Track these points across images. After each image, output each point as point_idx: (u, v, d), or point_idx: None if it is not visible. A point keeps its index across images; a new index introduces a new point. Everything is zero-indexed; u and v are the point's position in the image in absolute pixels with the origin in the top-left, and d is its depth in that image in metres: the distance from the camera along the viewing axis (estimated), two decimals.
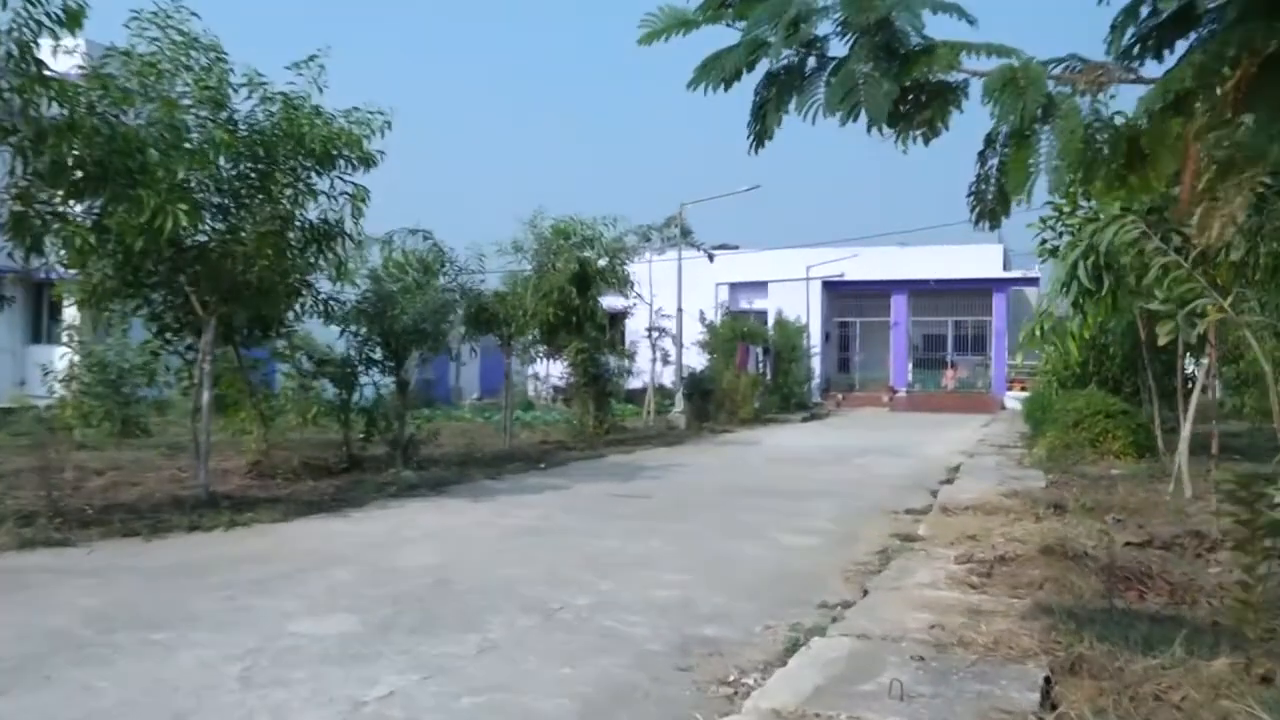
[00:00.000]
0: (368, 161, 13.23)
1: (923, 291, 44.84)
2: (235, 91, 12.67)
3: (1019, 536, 10.53)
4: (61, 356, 23.77)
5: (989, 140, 4.31)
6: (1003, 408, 40.22)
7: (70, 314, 23.01)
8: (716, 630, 7.22)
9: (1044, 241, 19.07)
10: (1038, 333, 23.62)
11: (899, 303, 45.17)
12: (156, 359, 17.59)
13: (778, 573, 9.30)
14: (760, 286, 45.19)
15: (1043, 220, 18.81)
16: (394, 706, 5.49)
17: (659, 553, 10.12)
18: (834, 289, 45.92)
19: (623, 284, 22.82)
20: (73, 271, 14.53)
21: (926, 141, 4.47)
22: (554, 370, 36.95)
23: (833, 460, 20.16)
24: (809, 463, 19.73)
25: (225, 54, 12.51)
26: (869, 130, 4.21)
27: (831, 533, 11.52)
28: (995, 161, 4.33)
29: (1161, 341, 8.89)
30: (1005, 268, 44.61)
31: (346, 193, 13.35)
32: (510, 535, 11.00)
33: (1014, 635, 6.54)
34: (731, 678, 6.13)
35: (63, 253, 12.10)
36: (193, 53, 12.38)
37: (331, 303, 15.57)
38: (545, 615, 7.56)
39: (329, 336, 17.46)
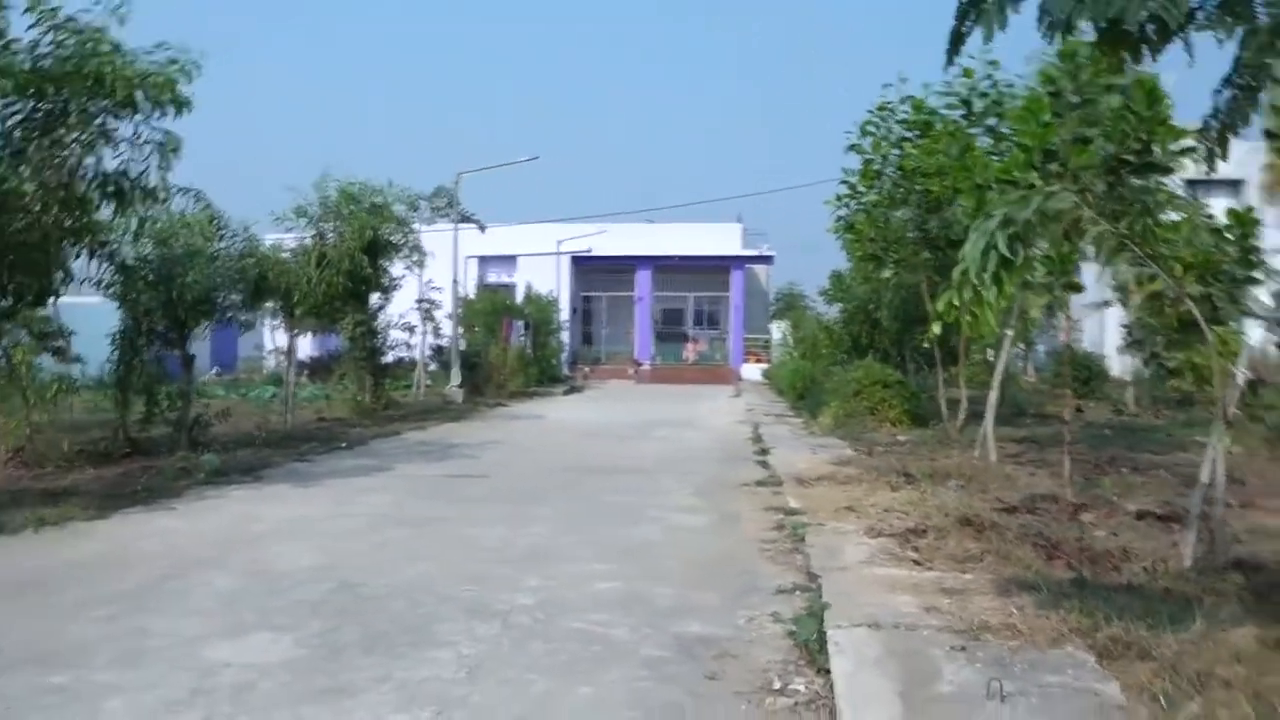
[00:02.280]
0: (180, 106, 11.29)
1: (666, 267, 45.09)
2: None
3: (896, 506, 10.29)
4: None
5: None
6: (740, 379, 41.06)
7: None
8: (701, 627, 6.39)
9: (840, 219, 19.31)
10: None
11: (643, 278, 45.26)
12: None
13: (697, 558, 8.53)
14: (509, 260, 44.08)
15: (838, 198, 19.04)
16: None
17: (556, 542, 9.11)
18: (582, 264, 45.42)
19: (416, 253, 21.27)
20: None
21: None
22: (302, 345, 34.65)
23: (633, 435, 19.56)
24: (612, 437, 19.05)
25: None
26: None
27: (708, 510, 10.87)
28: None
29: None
30: (743, 247, 45.61)
31: (154, 141, 11.36)
32: (377, 527, 9.65)
33: (1024, 615, 6.10)
34: (776, 685, 5.33)
35: None
36: None
37: (128, 267, 13.38)
38: (501, 621, 6.47)
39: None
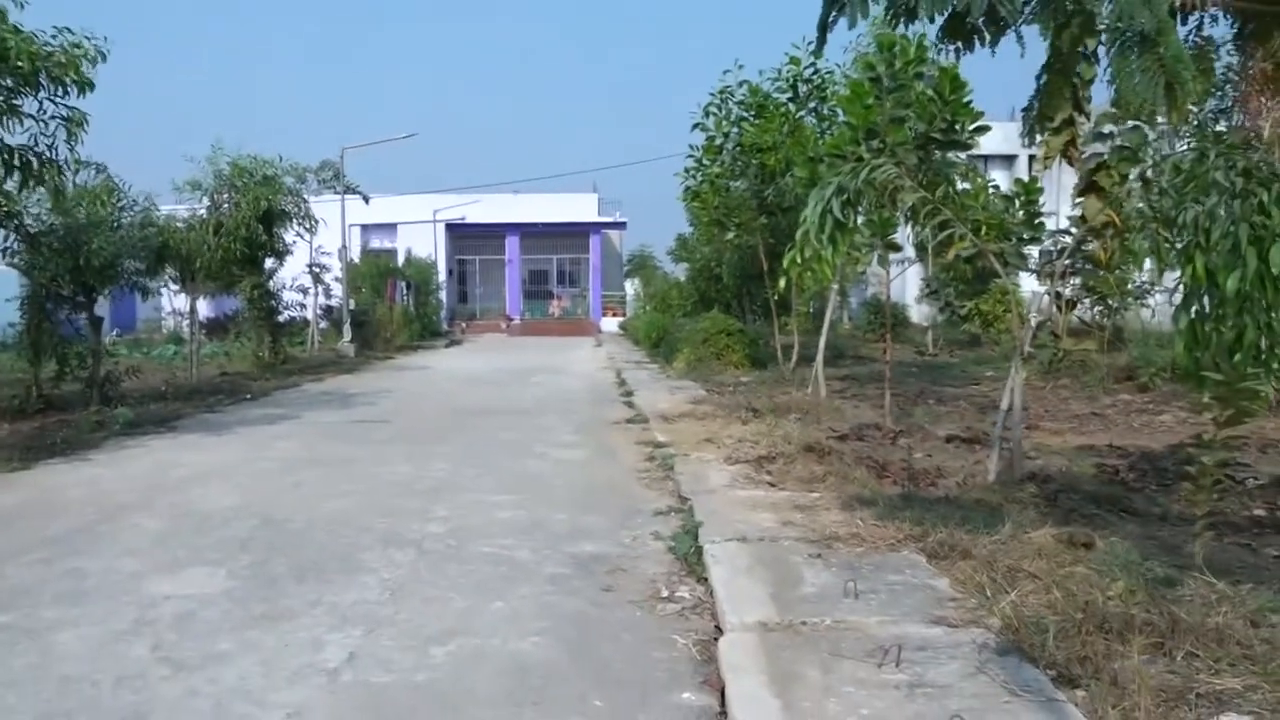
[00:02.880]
0: (83, 86, 10.53)
1: (531, 233, 44.65)
2: None
3: (748, 437, 10.50)
4: None
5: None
6: (600, 331, 41.10)
7: None
8: (594, 547, 6.42)
9: (687, 188, 19.44)
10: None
11: (512, 243, 44.69)
12: None
13: (583, 486, 8.54)
14: (390, 228, 42.93)
15: (685, 170, 19.15)
16: (371, 669, 4.26)
17: (458, 476, 8.98)
18: (456, 230, 44.55)
19: (308, 221, 20.43)
20: None
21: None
22: (199, 307, 33.08)
23: (512, 381, 19.38)
24: (493, 384, 18.83)
25: None
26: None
27: (587, 445, 10.88)
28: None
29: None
30: (600, 214, 45.51)
31: (60, 117, 10.56)
32: (291, 469, 9.33)
33: (866, 526, 6.32)
34: (664, 594, 5.41)
35: None
36: None
37: (34, 235, 12.45)
38: (416, 548, 6.37)
39: None
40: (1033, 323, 8.72)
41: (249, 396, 15.83)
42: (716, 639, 4.61)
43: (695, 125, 17.88)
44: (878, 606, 4.80)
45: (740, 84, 17.38)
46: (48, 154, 10.70)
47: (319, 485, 8.52)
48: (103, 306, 16.27)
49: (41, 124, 10.55)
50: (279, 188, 20.23)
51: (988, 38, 3.81)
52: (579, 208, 44.82)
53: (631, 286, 43.96)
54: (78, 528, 6.91)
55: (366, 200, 26.85)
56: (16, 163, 10.63)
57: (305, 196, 22.03)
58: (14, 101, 10.26)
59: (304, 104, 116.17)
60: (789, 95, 17.02)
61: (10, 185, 11.03)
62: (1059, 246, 8.71)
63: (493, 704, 3.92)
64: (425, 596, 5.32)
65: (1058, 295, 12.21)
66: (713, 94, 17.65)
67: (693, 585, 5.54)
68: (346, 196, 27.00)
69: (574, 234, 45.06)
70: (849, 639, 4.30)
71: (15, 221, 12.40)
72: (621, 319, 41.66)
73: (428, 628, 4.81)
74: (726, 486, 7.93)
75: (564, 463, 9.76)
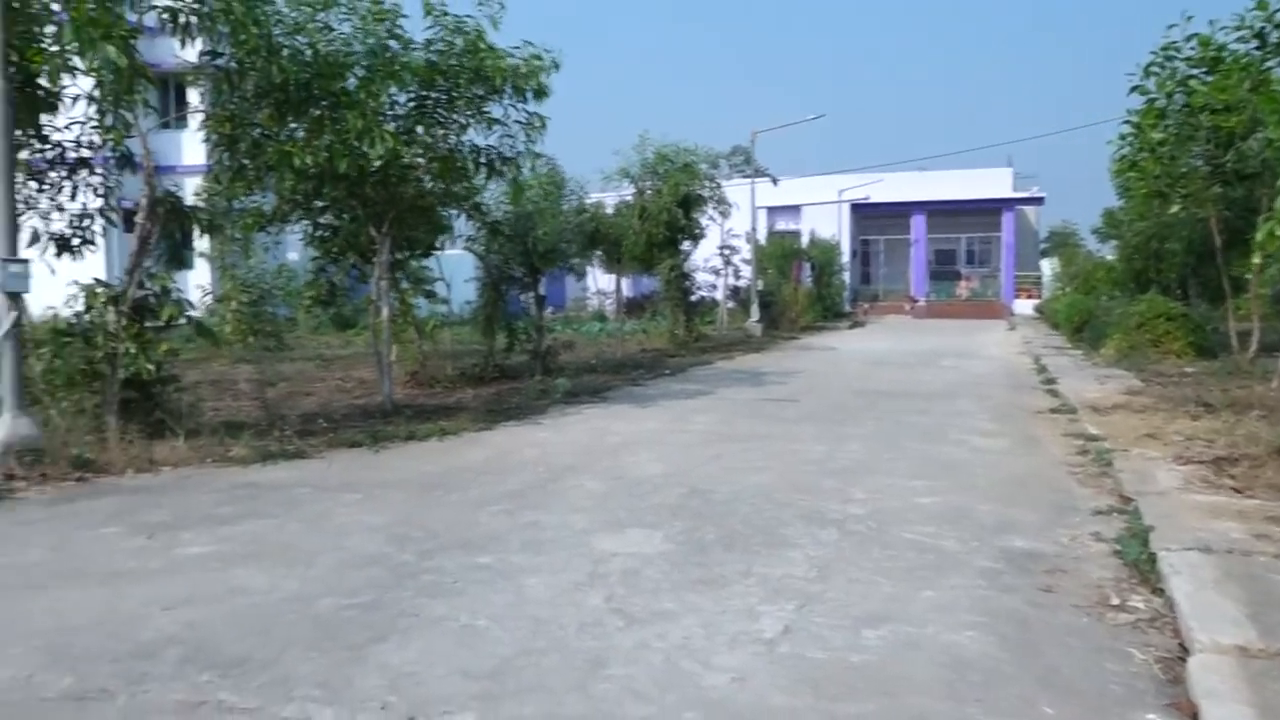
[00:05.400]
0: (541, 94, 11.70)
1: (939, 211, 43.18)
2: (404, 20, 11.11)
3: (1200, 434, 9.34)
4: (197, 285, 22.48)
5: None
6: (1012, 314, 38.78)
7: (204, 241, 21.55)
8: (1025, 543, 6.02)
9: (1123, 157, 17.67)
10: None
11: (918, 222, 43.52)
12: (316, 280, 16.12)
13: (1007, 477, 8.08)
14: (794, 210, 43.54)
15: (1121, 137, 17.40)
16: (806, 645, 4.31)
17: (872, 458, 8.89)
18: (861, 210, 44.18)
19: (722, 205, 21.33)
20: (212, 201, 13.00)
21: None
22: (610, 286, 35.71)
23: (919, 363, 18.87)
24: (899, 366, 18.46)
25: None
26: None
27: (1008, 433, 10.30)
28: None
29: None
30: (1014, 189, 42.91)
31: (521, 121, 11.84)
32: (711, 442, 9.77)
33: None
34: (1114, 601, 4.94)
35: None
36: None
37: (493, 224, 14.13)
38: (838, 528, 6.36)
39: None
40: None
41: (667, 372, 16.82)
42: (1181, 658, 4.13)
43: (1133, 89, 16.16)
44: None
45: (1189, 38, 15.40)
46: (509, 152, 12.07)
47: (738, 459, 8.82)
48: (541, 286, 18.11)
49: (504, 127, 11.89)
50: (696, 173, 21.23)
51: None
52: (991, 183, 42.54)
53: (1049, 266, 41.03)
54: (532, 484, 7.73)
55: (775, 182, 27.40)
56: (483, 161, 12.11)
57: (718, 181, 22.95)
58: (484, 109, 11.63)
59: (714, 89, 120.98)
60: (1255, 45, 14.78)
61: (478, 180, 12.56)
62: None
63: (932, 694, 3.81)
64: (851, 577, 5.30)
65: None
66: (1154, 52, 15.83)
67: (1146, 595, 5.01)
68: (755, 180, 27.75)
69: (985, 211, 42.90)
70: None
71: (479, 212, 14.05)
72: (1037, 301, 39.06)
73: (856, 609, 4.79)
74: (1178, 489, 7.11)
75: (984, 451, 9.30)
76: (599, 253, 19.70)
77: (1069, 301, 27.12)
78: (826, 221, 42.04)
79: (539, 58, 11.42)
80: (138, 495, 7.30)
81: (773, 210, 43.41)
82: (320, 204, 12.35)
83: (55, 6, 8.82)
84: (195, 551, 5.76)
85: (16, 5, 8.37)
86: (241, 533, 6.22)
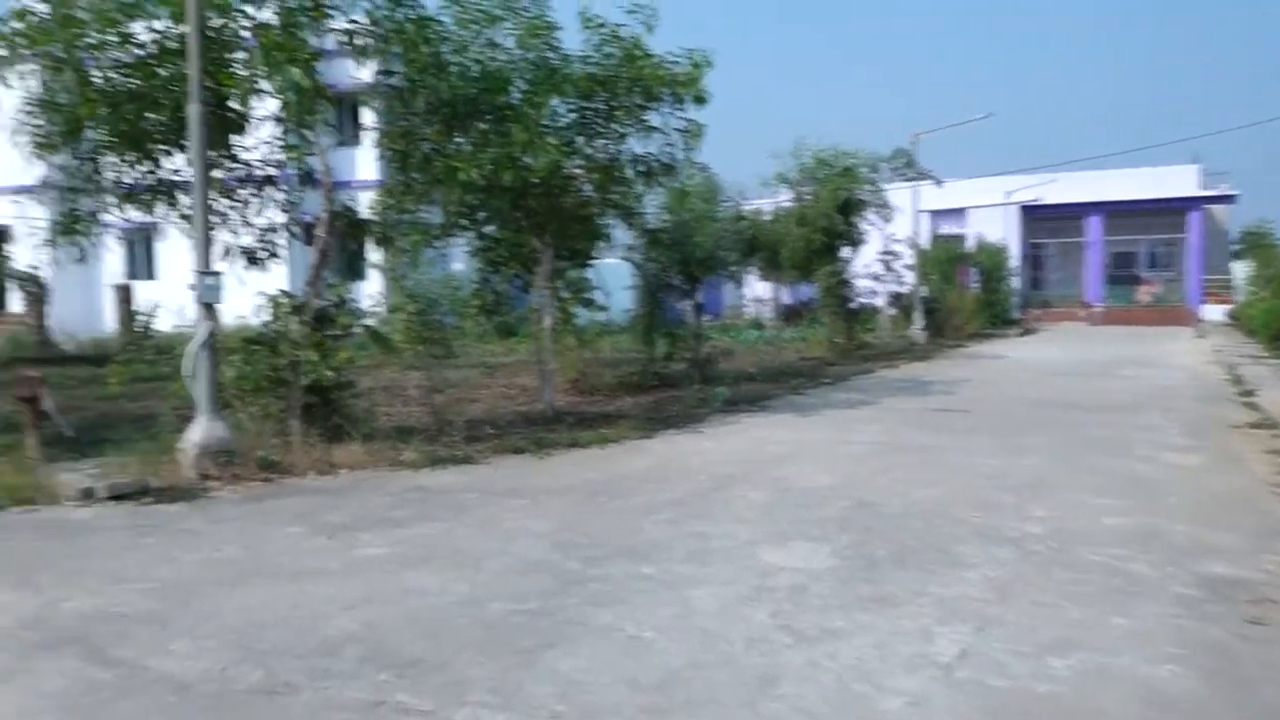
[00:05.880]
0: (700, 99, 11.69)
1: (1117, 212, 40.78)
2: (558, 32, 11.29)
3: None
4: (370, 295, 23.46)
5: None
6: (1200, 320, 36.23)
7: (377, 253, 22.51)
8: (1226, 569, 5.56)
9: None
10: None
11: (1094, 223, 41.23)
12: (481, 289, 16.60)
13: (1203, 497, 7.51)
14: (959, 213, 42.00)
15: None
16: (986, 670, 4.08)
17: (1051, 473, 8.44)
18: (1031, 212, 42.20)
19: (884, 209, 20.83)
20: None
21: None
22: (767, 293, 35.38)
23: (1096, 373, 17.87)
24: (1076, 375, 17.51)
25: None
26: None
27: (1201, 449, 9.59)
28: None
29: None
30: (1201, 187, 40.14)
31: (679, 128, 11.86)
32: (877, 454, 9.50)
33: None
34: None
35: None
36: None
37: (652, 232, 14.22)
38: (1016, 546, 6.05)
39: None
40: None
41: (828, 380, 16.50)
42: None
43: None
44: None
45: None
46: (668, 160, 12.11)
47: (906, 471, 8.53)
48: (699, 294, 18.08)
49: (663, 135, 11.93)
50: (857, 178, 20.80)
51: None
52: (1174, 181, 39.88)
53: (1242, 269, 38.04)
54: (695, 493, 7.68)
55: (939, 185, 26.55)
56: (643, 169, 12.19)
57: (880, 185, 22.41)
58: (643, 118, 11.70)
59: (871, 91, 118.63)
60: None
61: (637, 189, 12.66)
62: None
63: None
64: (1033, 600, 5.01)
65: None
66: None
67: None
68: (918, 183, 26.95)
69: (1168, 211, 40.28)
70: None
71: (638, 220, 14.15)
72: (1229, 306, 36.34)
73: (1040, 634, 4.52)
74: None
75: (1176, 467, 8.68)
76: (756, 260, 19.55)
77: (1267, 307, 25.07)
78: (994, 224, 40.44)
79: (697, 64, 11.41)
80: (319, 496, 7.65)
81: (936, 214, 42.02)
82: (484, 216, 12.71)
83: (245, 34, 9.39)
84: (372, 553, 5.98)
85: (211, 34, 8.95)
86: (414, 535, 6.42)
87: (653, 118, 11.83)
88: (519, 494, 7.72)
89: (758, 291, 37.35)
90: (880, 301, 27.28)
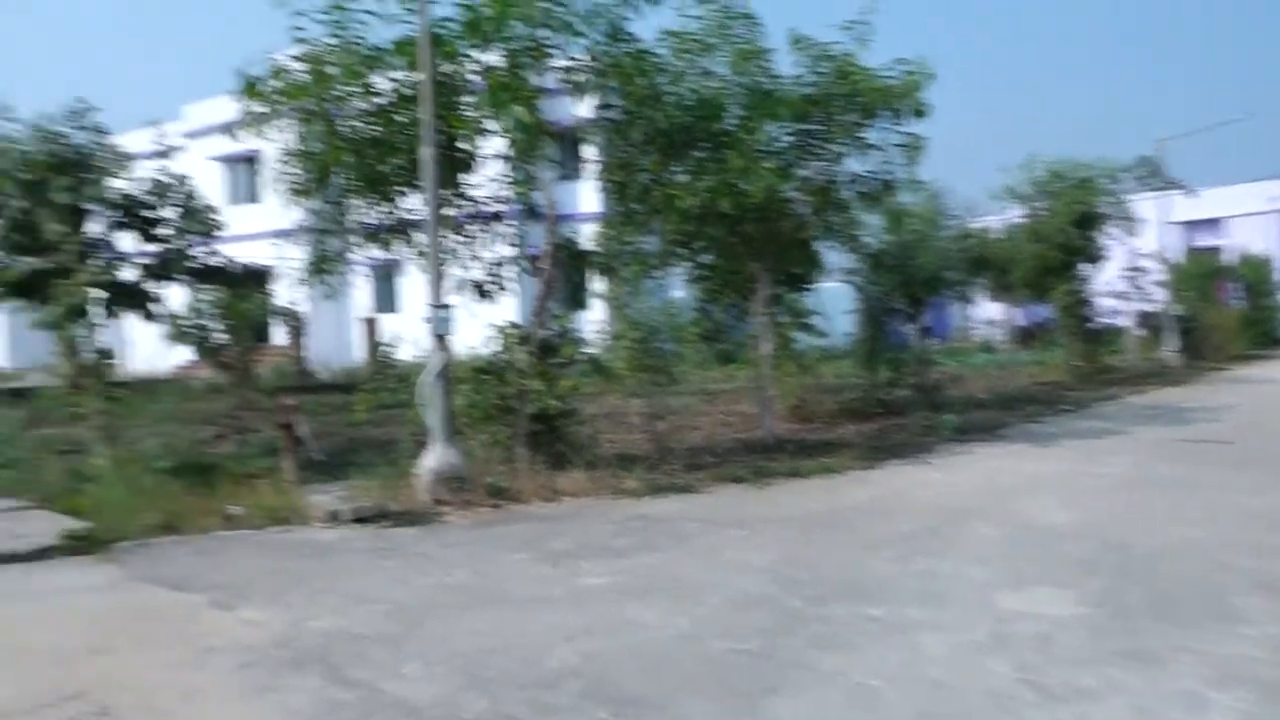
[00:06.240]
0: (919, 111, 11.28)
1: None
2: (770, 55, 11.15)
3: None
4: (592, 324, 24.06)
5: None
6: None
7: (598, 283, 23.08)
8: None
9: None
10: None
11: None
12: (700, 317, 16.65)
13: None
14: (1215, 223, 38.61)
15: None
16: None
17: None
18: None
19: (1127, 223, 19.37)
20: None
21: None
22: (997, 314, 33.57)
23: None
24: None
25: (759, 21, 11.00)
26: None
27: None
28: None
29: None
30: None
31: (898, 144, 11.48)
32: (1126, 488, 8.72)
33: None
34: None
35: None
36: (732, 24, 10.97)
37: (873, 254, 13.85)
38: None
39: None
40: None
41: (1068, 407, 15.43)
42: None
43: None
44: None
45: None
46: (887, 179, 11.74)
47: (1161, 509, 7.78)
48: (924, 316, 17.39)
49: (881, 151, 11.57)
50: (1095, 189, 19.46)
51: None
52: None
53: None
54: (922, 528, 7.29)
55: (1192, 193, 24.43)
56: (861, 189, 11.88)
57: (1121, 197, 20.87)
58: (860, 135, 11.40)
59: (1109, 98, 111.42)
60: None
61: (856, 210, 12.34)
62: None
63: None
64: None
65: None
66: None
67: None
68: (1165, 193, 24.92)
69: None
70: None
71: (858, 242, 13.79)
72: None
73: None
74: None
75: None
76: (984, 279, 18.61)
77: None
78: (1257, 234, 36.87)
79: (913, 75, 11.02)
80: (544, 523, 7.82)
81: (1189, 225, 38.82)
82: (700, 245, 12.74)
83: (472, 77, 9.85)
84: (593, 582, 6.01)
85: (443, 79, 9.44)
86: (635, 565, 6.42)
87: (870, 135, 11.54)
88: (739, 524, 7.60)
89: (988, 312, 35.63)
90: (1125, 321, 25.36)
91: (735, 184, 10.01)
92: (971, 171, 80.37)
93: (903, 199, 12.74)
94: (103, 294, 10.79)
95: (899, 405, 14.97)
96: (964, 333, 36.62)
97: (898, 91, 11.20)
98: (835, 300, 17.01)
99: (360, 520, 7.85)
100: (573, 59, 9.95)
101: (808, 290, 14.51)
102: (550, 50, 9.61)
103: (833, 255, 14.72)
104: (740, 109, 10.51)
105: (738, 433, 13.27)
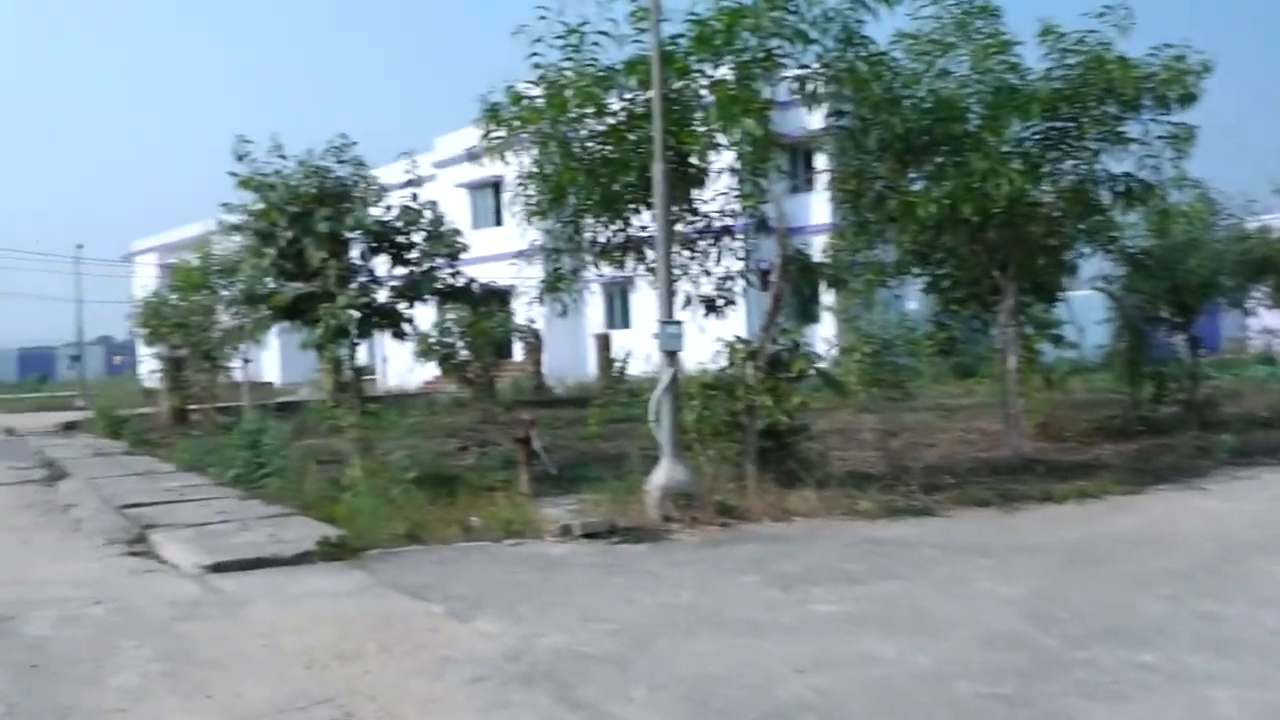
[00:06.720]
0: (1187, 97, 10.22)
1: None
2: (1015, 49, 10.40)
3: None
4: (823, 338, 23.54)
5: None
6: None
7: (829, 295, 22.53)
8: None
9: None
10: None
11: None
12: (937, 329, 15.89)
13: None
14: None
15: None
16: None
17: None
18: None
19: None
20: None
21: None
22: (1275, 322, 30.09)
23: None
24: None
25: (1000, 13, 10.30)
26: None
27: None
28: None
29: None
30: None
31: (1163, 136, 10.46)
32: None
33: None
34: None
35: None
36: (971, 19, 10.32)
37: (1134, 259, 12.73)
38: None
39: None
40: None
41: None
42: None
43: None
44: None
45: None
46: (1150, 175, 10.73)
47: None
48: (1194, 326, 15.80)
49: (1144, 145, 10.58)
50: None
51: None
52: None
53: None
54: (1201, 564, 6.50)
55: None
56: (1120, 188, 10.90)
57: None
58: (1119, 129, 10.47)
59: None
60: None
61: (1115, 211, 11.34)
62: None
63: None
64: None
65: None
66: None
67: None
68: None
69: None
70: None
71: (1116, 246, 12.71)
72: None
73: None
74: None
75: None
76: (1267, 284, 16.65)
77: None
78: None
79: (1181, 58, 10.00)
80: (773, 544, 7.58)
81: None
82: (939, 255, 12.11)
83: (703, 92, 9.80)
84: (825, 610, 5.73)
85: (673, 96, 9.44)
86: (870, 593, 6.07)
87: (1131, 128, 10.58)
88: (985, 552, 7.07)
89: (1268, 322, 32.08)
90: None
91: (978, 188, 9.42)
92: (1248, 162, 72.76)
93: (1170, 197, 11.57)
94: (360, 315, 11.52)
95: (1164, 424, 13.63)
96: (1239, 343, 33.16)
97: (1163, 78, 10.22)
98: (1086, 309, 15.77)
99: (590, 535, 7.90)
100: (804, 67, 9.71)
101: (1058, 299, 13.51)
102: (781, 60, 9.42)
103: (1084, 261, 13.65)
104: (983, 108, 9.91)
105: (979, 451, 12.50)
